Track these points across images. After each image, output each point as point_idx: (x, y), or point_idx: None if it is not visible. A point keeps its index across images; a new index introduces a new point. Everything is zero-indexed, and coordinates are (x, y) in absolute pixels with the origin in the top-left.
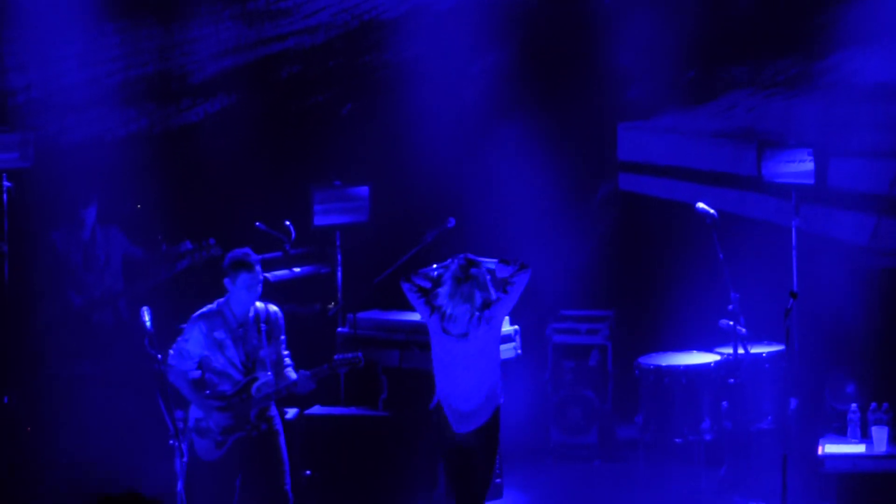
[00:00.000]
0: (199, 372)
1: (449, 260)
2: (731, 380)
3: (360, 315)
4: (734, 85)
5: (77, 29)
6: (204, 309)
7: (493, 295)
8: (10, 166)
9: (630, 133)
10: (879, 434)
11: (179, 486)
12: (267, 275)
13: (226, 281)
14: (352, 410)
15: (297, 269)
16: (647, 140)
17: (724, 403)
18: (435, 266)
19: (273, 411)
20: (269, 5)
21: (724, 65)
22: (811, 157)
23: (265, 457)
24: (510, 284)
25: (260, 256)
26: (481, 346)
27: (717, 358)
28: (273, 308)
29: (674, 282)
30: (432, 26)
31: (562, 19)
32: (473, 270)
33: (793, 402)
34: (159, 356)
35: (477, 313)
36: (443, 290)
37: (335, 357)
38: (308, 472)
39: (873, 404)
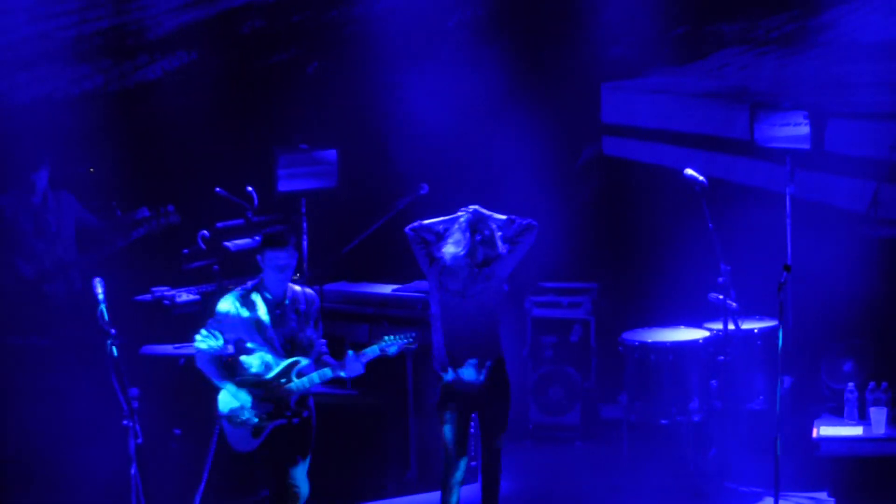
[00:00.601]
0: (230, 351)
1: (458, 212)
2: (721, 357)
3: (327, 287)
4: (725, 43)
5: None
6: (237, 288)
7: (500, 250)
8: None
9: (615, 93)
10: (878, 415)
11: (133, 468)
12: (227, 244)
13: (258, 258)
14: (319, 389)
15: (259, 238)
16: (633, 101)
17: (714, 382)
18: (440, 220)
19: (311, 399)
20: None
21: (714, 21)
22: (807, 120)
23: (303, 448)
24: (515, 244)
25: (220, 224)
26: (479, 304)
27: (706, 334)
28: (309, 291)
29: (661, 253)
30: None
31: None
32: (480, 225)
33: (786, 381)
34: (113, 330)
35: (476, 270)
36: (445, 244)
37: (384, 337)
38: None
39: (871, 383)
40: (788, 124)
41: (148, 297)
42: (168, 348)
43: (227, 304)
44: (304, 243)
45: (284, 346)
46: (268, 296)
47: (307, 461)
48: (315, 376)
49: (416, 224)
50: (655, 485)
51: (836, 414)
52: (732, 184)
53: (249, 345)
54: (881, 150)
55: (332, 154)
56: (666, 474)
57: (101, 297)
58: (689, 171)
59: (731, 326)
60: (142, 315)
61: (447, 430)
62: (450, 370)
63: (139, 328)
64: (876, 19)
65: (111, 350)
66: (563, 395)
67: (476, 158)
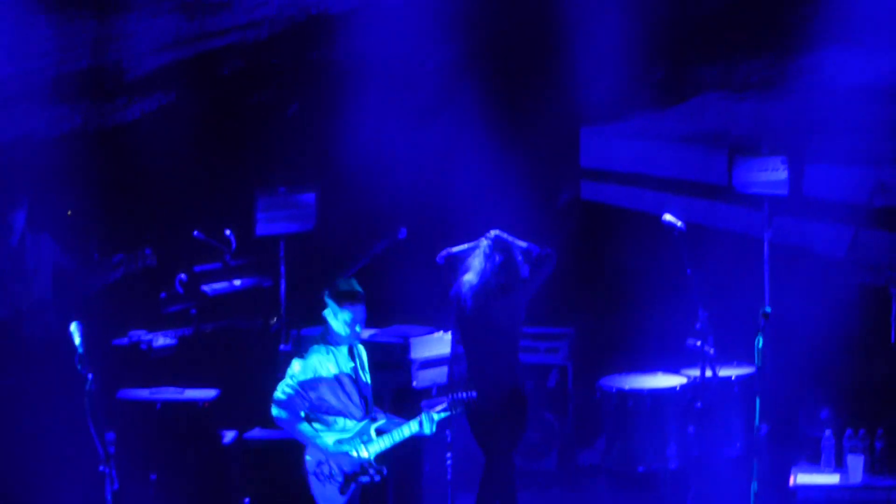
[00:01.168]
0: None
1: (479, 238)
2: (698, 404)
3: (305, 331)
4: (704, 87)
5: (5, 21)
6: (311, 343)
7: (522, 275)
8: None
9: (593, 138)
10: (855, 463)
11: None
12: (205, 287)
13: (327, 313)
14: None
15: (237, 282)
16: (612, 145)
17: (691, 429)
18: (467, 246)
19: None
20: None
21: (693, 65)
22: (785, 165)
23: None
24: (533, 272)
25: (197, 267)
26: (498, 330)
27: (684, 380)
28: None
29: (638, 298)
30: (384, 21)
31: (522, 15)
32: (501, 249)
33: (763, 429)
34: (90, 375)
35: (494, 296)
36: (466, 272)
37: (451, 396)
38: (247, 499)
39: (849, 431)
40: (767, 169)
41: (125, 340)
42: (145, 392)
43: (305, 361)
44: (282, 287)
45: (361, 400)
46: (340, 350)
47: None
48: (396, 435)
49: (445, 252)
50: None
51: (814, 461)
52: (710, 229)
53: (331, 401)
54: (860, 195)
55: (310, 197)
56: None
57: (78, 340)
58: (667, 216)
59: (708, 373)
60: (119, 359)
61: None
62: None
63: (116, 372)
64: (855, 64)
65: (88, 394)
66: (540, 440)
67: (454, 202)
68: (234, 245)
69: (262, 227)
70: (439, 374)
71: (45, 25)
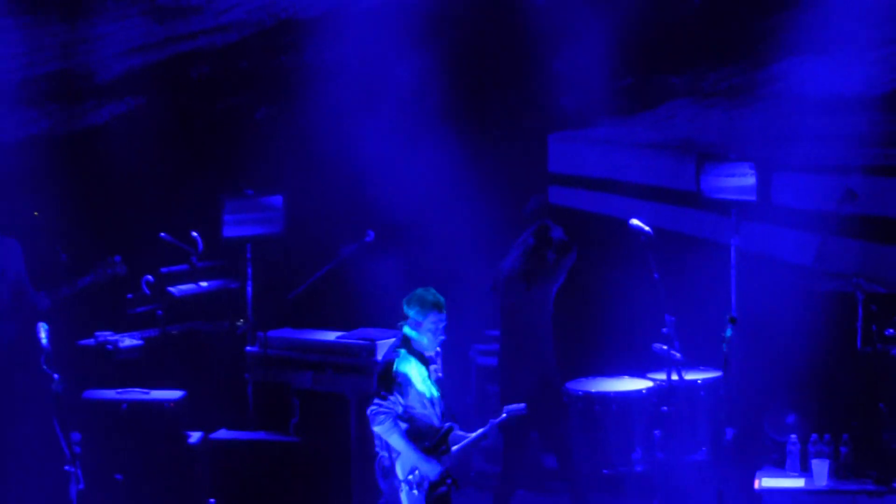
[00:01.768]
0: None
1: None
2: (665, 408)
3: (271, 333)
4: (673, 94)
5: None
6: (397, 355)
7: (548, 261)
8: None
9: (562, 143)
10: (820, 468)
11: None
12: (172, 289)
13: (410, 322)
14: (260, 435)
15: (204, 284)
16: (580, 151)
17: (657, 433)
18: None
19: None
20: (180, 1)
21: (662, 73)
22: (753, 172)
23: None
24: (555, 260)
25: (164, 269)
26: (527, 320)
27: (650, 384)
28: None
29: (606, 302)
30: (354, 27)
31: (492, 21)
32: (534, 236)
33: (729, 433)
34: (56, 375)
35: (522, 284)
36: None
37: (506, 408)
38: (213, 500)
39: (814, 436)
40: (735, 176)
41: (91, 341)
42: (111, 393)
43: (398, 373)
44: (249, 289)
45: (437, 409)
46: (421, 359)
47: None
48: (468, 444)
49: None
50: None
51: (779, 466)
52: (678, 234)
53: (417, 409)
54: (827, 202)
55: (277, 200)
56: None
57: (44, 341)
58: (634, 222)
59: (674, 377)
60: (85, 360)
61: None
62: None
63: (82, 373)
64: (823, 73)
65: (54, 394)
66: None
67: (422, 206)
68: (200, 247)
69: (230, 230)
70: None
71: (13, 28)
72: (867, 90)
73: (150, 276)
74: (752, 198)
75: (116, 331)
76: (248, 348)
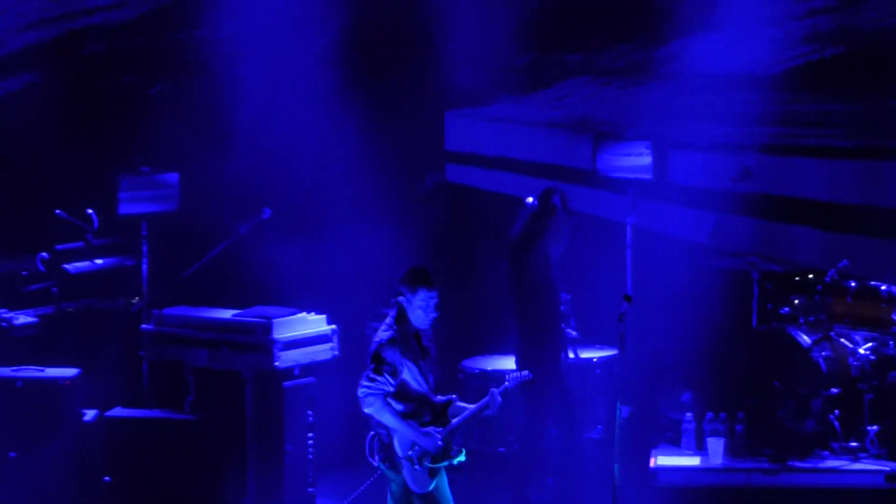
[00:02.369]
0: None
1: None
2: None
3: (167, 311)
4: (570, 72)
5: None
6: (387, 331)
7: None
8: None
9: (458, 121)
10: (715, 446)
11: None
12: (67, 266)
13: (404, 298)
14: (156, 413)
15: (99, 261)
16: (477, 129)
17: (553, 410)
18: None
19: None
20: None
21: (559, 51)
22: (649, 150)
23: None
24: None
25: (59, 246)
26: (532, 284)
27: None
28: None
29: (502, 280)
30: (250, 3)
31: None
32: (540, 198)
33: (624, 411)
34: None
35: (519, 248)
36: None
37: (508, 375)
38: (108, 478)
39: (709, 414)
40: (631, 154)
41: None
42: (6, 371)
43: (389, 350)
44: (144, 267)
45: (432, 384)
46: (416, 335)
47: None
48: (469, 415)
49: None
50: None
51: (674, 444)
52: (574, 213)
53: (411, 389)
54: (723, 181)
55: (173, 177)
56: (503, 503)
57: None
58: (530, 200)
59: (570, 355)
60: None
61: None
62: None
63: None
64: (719, 51)
65: None
66: None
67: (319, 184)
68: (96, 224)
69: (125, 207)
70: (302, 354)
71: None
72: (764, 68)
73: (45, 254)
74: (649, 176)
75: (11, 308)
76: (144, 326)
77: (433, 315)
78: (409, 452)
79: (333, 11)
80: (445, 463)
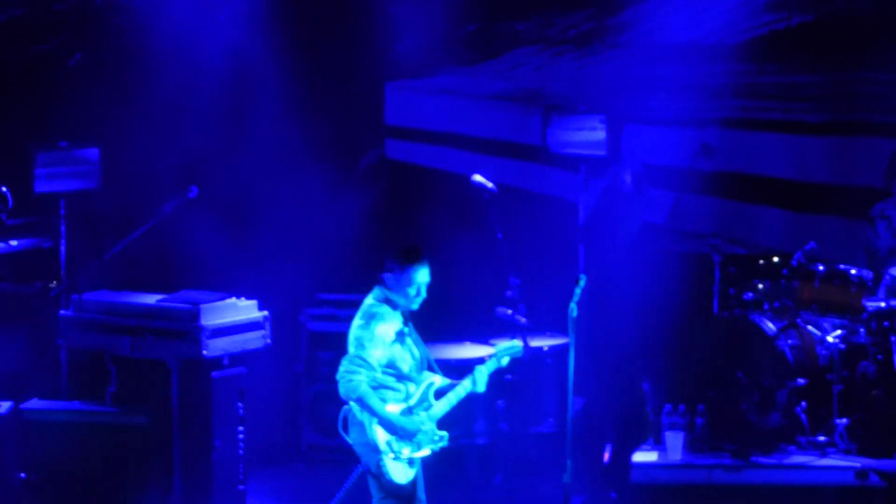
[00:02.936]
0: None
1: None
2: (508, 376)
3: (87, 296)
4: (519, 42)
5: None
6: (373, 309)
7: None
8: None
9: (399, 93)
10: (673, 440)
11: None
12: None
13: (393, 275)
14: (75, 405)
15: (14, 242)
16: (419, 102)
17: (500, 403)
18: None
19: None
20: None
21: (507, 19)
22: (603, 125)
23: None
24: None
25: None
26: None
27: (493, 351)
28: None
29: (446, 264)
30: None
31: None
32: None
33: (577, 403)
34: None
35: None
36: None
37: (496, 346)
38: (23, 474)
39: (668, 406)
40: (583, 129)
41: None
42: None
43: (371, 328)
44: (63, 248)
45: (419, 365)
46: (401, 314)
47: None
48: (452, 397)
49: None
50: None
51: None
52: (524, 191)
53: (402, 367)
54: (682, 158)
55: (93, 153)
56: (449, 500)
57: None
58: (477, 178)
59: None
60: None
61: None
62: None
63: None
64: (677, 20)
65: None
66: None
67: (250, 160)
68: (10, 203)
69: (42, 185)
70: (232, 343)
71: None
72: (724, 38)
73: None
74: (602, 152)
75: None
76: (62, 312)
77: (420, 297)
78: (388, 448)
79: None
80: (428, 445)
